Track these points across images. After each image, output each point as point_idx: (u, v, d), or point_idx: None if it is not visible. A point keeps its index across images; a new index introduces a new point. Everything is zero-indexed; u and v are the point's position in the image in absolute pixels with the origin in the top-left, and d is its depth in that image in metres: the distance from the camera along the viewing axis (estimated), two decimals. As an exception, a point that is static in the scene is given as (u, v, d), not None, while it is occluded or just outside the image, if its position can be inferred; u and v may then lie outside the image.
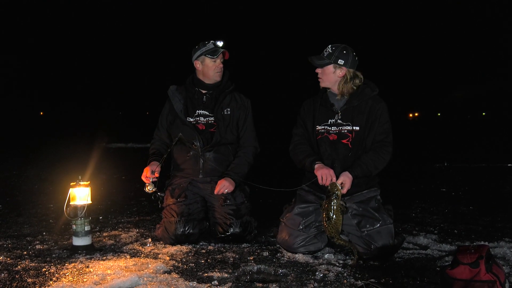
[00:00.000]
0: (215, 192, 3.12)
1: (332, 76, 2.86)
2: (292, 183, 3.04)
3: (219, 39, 3.28)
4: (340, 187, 2.68)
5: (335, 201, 2.65)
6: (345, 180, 2.71)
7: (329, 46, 2.87)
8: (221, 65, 3.26)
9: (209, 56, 3.20)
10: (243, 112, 3.30)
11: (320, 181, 2.75)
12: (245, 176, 3.24)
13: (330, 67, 2.85)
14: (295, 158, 2.98)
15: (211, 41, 3.25)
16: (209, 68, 3.23)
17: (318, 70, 2.91)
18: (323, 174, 2.73)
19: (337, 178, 2.72)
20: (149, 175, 3.09)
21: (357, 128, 2.86)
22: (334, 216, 2.65)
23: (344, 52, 2.83)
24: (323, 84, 2.93)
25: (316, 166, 2.80)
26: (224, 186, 3.11)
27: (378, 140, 2.85)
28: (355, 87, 2.87)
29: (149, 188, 3.10)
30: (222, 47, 3.25)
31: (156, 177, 3.11)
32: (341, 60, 2.82)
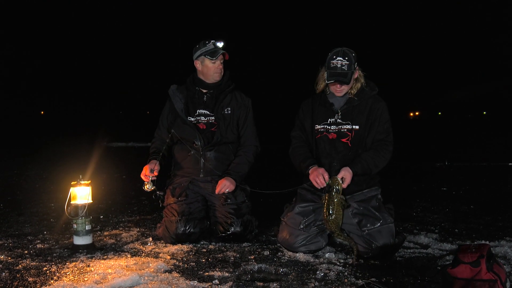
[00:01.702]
0: (216, 192, 3.12)
1: (353, 81, 2.87)
2: (293, 183, 3.04)
3: (220, 40, 3.26)
4: (340, 182, 2.68)
5: (335, 195, 2.65)
6: (346, 174, 2.71)
7: (339, 59, 2.78)
8: (221, 66, 3.24)
9: (208, 57, 3.19)
10: (244, 111, 3.30)
11: (315, 185, 2.76)
12: (245, 175, 3.24)
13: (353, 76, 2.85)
14: (294, 162, 3.00)
15: (212, 41, 3.23)
16: (208, 69, 3.23)
17: (345, 86, 2.86)
18: (316, 178, 2.74)
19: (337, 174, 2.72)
20: (148, 173, 3.09)
21: (357, 127, 2.86)
22: (335, 211, 2.65)
23: (353, 55, 2.82)
24: (343, 93, 2.88)
25: (309, 171, 2.81)
26: (225, 186, 3.10)
27: (378, 139, 2.86)
28: (359, 84, 2.89)
29: (148, 187, 3.10)
30: (222, 48, 3.23)
31: (155, 176, 3.11)
32: (356, 63, 2.83)
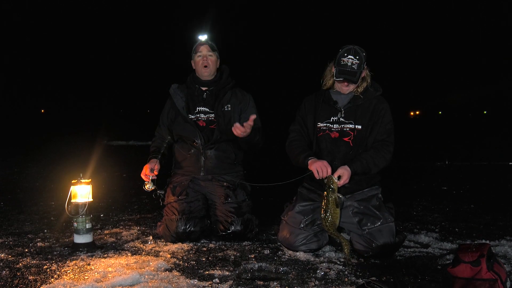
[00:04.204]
0: (238, 127, 2.87)
1: (360, 80, 2.87)
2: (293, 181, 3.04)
3: (204, 32, 3.31)
4: (336, 180, 2.67)
5: (330, 194, 2.65)
6: (343, 172, 2.69)
7: (350, 57, 2.76)
8: (206, 59, 3.23)
9: (193, 52, 3.27)
10: (245, 104, 3.28)
11: (316, 175, 2.74)
12: (255, 139, 3.07)
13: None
14: (290, 154, 2.96)
15: (199, 37, 3.31)
16: (196, 64, 3.28)
17: (352, 85, 2.86)
18: (318, 167, 2.71)
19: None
20: (148, 173, 3.09)
21: (360, 127, 2.85)
22: (331, 210, 2.64)
23: (364, 54, 2.81)
24: (349, 91, 2.88)
25: (309, 161, 2.78)
26: (244, 131, 2.90)
27: (379, 139, 2.85)
28: (365, 83, 2.88)
29: (148, 187, 3.10)
30: (204, 41, 3.26)
31: (155, 175, 3.11)
32: (365, 62, 2.82)
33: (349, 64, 2.76)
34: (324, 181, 2.69)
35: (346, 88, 2.86)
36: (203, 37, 3.28)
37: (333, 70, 2.85)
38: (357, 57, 2.77)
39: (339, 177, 2.69)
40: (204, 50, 3.24)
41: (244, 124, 2.89)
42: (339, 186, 2.69)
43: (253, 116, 2.91)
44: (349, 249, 2.68)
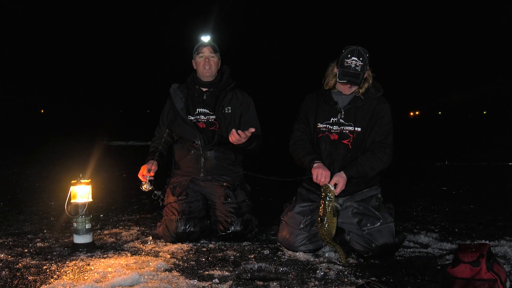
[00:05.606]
0: (233, 134, 2.91)
1: (363, 82, 2.85)
2: (293, 181, 3.04)
3: (207, 34, 3.32)
4: (333, 189, 2.66)
5: (327, 203, 2.64)
6: (339, 180, 2.68)
7: (354, 59, 2.73)
8: (208, 61, 3.24)
9: (195, 53, 3.27)
10: (245, 107, 3.28)
11: (314, 179, 2.73)
12: (251, 145, 3.09)
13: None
14: (295, 154, 2.93)
15: (201, 37, 3.32)
16: (198, 65, 3.27)
17: (355, 87, 2.83)
18: (319, 174, 2.70)
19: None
20: (145, 173, 3.09)
21: (359, 129, 2.84)
22: (327, 219, 2.64)
23: (367, 55, 2.78)
24: (351, 92, 2.86)
25: (314, 165, 2.77)
26: (239, 140, 2.94)
27: (377, 141, 2.84)
28: (367, 84, 2.87)
29: (145, 187, 3.10)
30: (207, 42, 3.26)
31: (152, 176, 3.10)
32: (368, 64, 2.80)
33: (353, 65, 2.73)
34: (321, 189, 2.69)
35: (348, 90, 2.85)
36: (206, 38, 3.28)
37: (336, 70, 2.83)
38: (361, 59, 2.74)
39: (335, 185, 2.68)
40: (206, 52, 3.24)
41: (240, 132, 2.91)
42: (336, 194, 2.68)
43: (252, 129, 2.93)
44: (344, 258, 2.66)
